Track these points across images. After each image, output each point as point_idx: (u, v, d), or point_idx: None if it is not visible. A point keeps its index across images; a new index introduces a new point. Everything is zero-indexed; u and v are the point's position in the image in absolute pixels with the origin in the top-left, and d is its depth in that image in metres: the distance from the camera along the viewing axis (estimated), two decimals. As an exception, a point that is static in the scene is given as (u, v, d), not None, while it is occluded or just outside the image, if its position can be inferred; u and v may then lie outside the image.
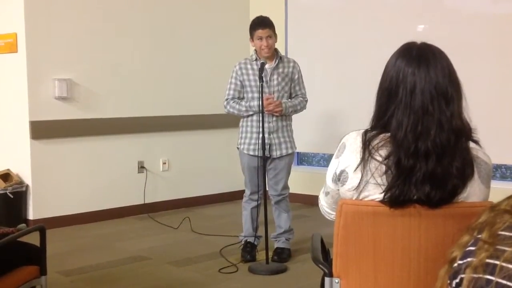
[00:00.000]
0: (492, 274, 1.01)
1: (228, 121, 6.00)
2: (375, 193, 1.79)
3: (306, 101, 4.40)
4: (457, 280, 1.08)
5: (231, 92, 4.32)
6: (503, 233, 1.05)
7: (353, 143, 1.85)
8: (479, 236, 1.09)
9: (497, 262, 1.01)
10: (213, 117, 6.37)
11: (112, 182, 5.77)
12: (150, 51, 6.01)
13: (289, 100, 4.31)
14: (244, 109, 4.26)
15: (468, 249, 1.09)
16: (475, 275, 1.03)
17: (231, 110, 4.32)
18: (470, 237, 1.11)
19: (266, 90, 4.20)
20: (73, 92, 5.47)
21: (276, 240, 4.41)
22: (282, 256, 4.31)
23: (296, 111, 4.36)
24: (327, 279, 1.96)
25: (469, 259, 1.07)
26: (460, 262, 1.09)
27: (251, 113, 4.24)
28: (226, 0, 6.64)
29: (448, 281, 1.11)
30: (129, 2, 5.87)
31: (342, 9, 6.17)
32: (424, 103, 1.76)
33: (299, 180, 5.95)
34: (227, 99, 4.33)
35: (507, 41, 5.08)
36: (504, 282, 0.99)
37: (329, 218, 2.07)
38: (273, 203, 4.40)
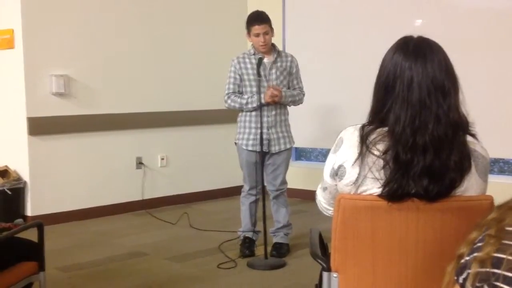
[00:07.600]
0: (498, 267, 1.01)
1: (226, 117, 5.99)
2: (373, 187, 1.79)
3: (304, 94, 4.40)
4: (464, 276, 1.08)
5: (231, 86, 4.30)
6: (510, 228, 1.05)
7: (350, 137, 1.84)
8: (487, 232, 1.09)
9: (504, 256, 1.01)
10: (211, 112, 6.37)
11: (110, 178, 5.77)
12: (147, 47, 6.00)
13: (288, 90, 4.30)
14: (245, 101, 4.23)
15: (476, 245, 1.09)
16: (481, 269, 1.04)
17: (232, 104, 4.28)
18: (479, 233, 1.11)
19: (264, 84, 4.19)
20: (71, 88, 5.46)
21: (274, 235, 4.41)
22: (281, 251, 4.31)
23: (294, 102, 4.34)
24: (325, 274, 1.96)
25: (475, 254, 1.07)
26: (467, 257, 1.09)
27: (254, 105, 4.18)
28: (223, -5, 6.65)
29: (455, 277, 1.11)
30: (126, -2, 5.86)
31: (340, 4, 6.16)
32: (421, 97, 1.76)
33: (297, 175, 5.96)
34: (227, 94, 4.29)
35: (504, 35, 5.08)
36: (510, 275, 0.99)
37: (326, 214, 2.07)
38: (272, 198, 4.40)
